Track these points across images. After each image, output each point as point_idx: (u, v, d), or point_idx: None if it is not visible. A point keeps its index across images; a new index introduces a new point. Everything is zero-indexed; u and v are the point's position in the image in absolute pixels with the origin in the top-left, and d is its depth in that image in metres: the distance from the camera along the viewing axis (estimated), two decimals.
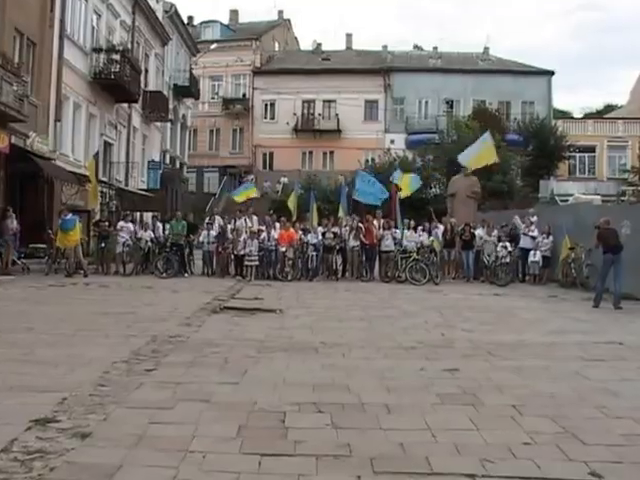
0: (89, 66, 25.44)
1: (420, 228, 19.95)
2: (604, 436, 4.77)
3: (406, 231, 19.58)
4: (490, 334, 9.50)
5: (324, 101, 48.46)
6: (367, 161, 42.56)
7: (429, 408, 5.43)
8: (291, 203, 23.63)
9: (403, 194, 21.26)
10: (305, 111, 48.91)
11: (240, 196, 24.96)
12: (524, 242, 19.20)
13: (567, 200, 31.13)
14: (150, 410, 5.15)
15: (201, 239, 19.77)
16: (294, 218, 22.07)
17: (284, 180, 42.40)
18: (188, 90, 39.69)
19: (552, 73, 47.51)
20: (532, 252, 18.78)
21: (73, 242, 17.98)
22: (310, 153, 48.77)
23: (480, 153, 20.87)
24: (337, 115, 47.94)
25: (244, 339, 8.58)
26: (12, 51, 19.23)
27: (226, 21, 54.58)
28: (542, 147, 37.84)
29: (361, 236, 19.04)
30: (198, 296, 13.76)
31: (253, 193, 25.78)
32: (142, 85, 30.13)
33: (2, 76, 17.26)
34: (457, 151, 32.51)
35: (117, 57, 26.17)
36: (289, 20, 58.97)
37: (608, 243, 13.35)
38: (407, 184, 21.78)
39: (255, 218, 20.93)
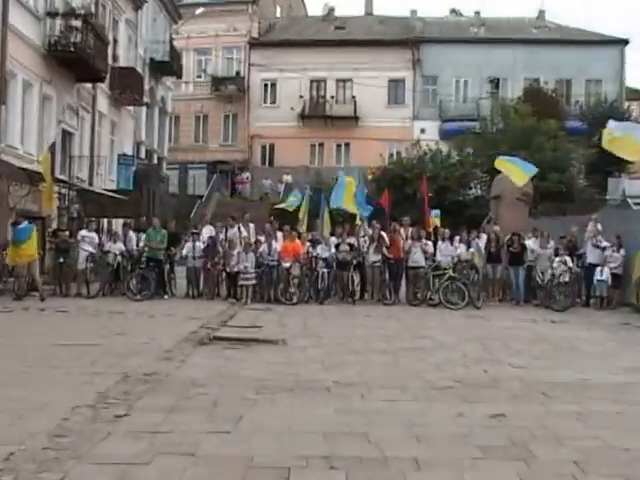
0: (42, 35, 25.17)
1: (457, 238, 19.94)
2: None
3: (440, 243, 19.61)
4: (545, 371, 9.50)
5: (337, 80, 48.74)
6: (391, 155, 42.66)
7: (468, 463, 5.43)
8: (302, 212, 23.74)
9: (520, 182, 21.34)
10: (314, 93, 49.16)
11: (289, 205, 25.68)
12: (592, 256, 19.11)
13: None
14: (120, 466, 5.17)
15: (185, 252, 19.84)
16: (303, 228, 22.14)
17: (287, 179, 42.52)
18: (168, 66, 39.78)
19: (625, 42, 47.31)
20: (598, 269, 18.71)
21: (27, 257, 17.82)
22: (320, 145, 48.98)
23: (628, 139, 18.22)
24: (354, 98, 48.13)
25: (238, 377, 8.61)
26: None
27: None
28: None
29: (384, 249, 19.07)
30: (181, 323, 13.82)
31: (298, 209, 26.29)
32: (110, 60, 30.23)
33: None
34: (503, 142, 32.71)
35: (78, 24, 25.86)
36: None
37: None
38: (516, 171, 21.87)
39: (252, 226, 21.00)
